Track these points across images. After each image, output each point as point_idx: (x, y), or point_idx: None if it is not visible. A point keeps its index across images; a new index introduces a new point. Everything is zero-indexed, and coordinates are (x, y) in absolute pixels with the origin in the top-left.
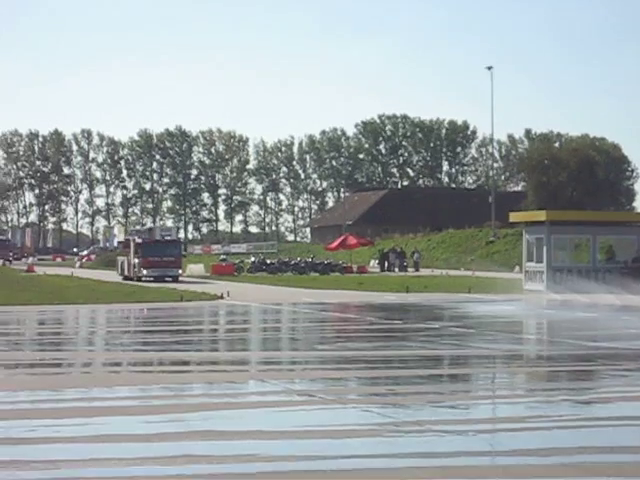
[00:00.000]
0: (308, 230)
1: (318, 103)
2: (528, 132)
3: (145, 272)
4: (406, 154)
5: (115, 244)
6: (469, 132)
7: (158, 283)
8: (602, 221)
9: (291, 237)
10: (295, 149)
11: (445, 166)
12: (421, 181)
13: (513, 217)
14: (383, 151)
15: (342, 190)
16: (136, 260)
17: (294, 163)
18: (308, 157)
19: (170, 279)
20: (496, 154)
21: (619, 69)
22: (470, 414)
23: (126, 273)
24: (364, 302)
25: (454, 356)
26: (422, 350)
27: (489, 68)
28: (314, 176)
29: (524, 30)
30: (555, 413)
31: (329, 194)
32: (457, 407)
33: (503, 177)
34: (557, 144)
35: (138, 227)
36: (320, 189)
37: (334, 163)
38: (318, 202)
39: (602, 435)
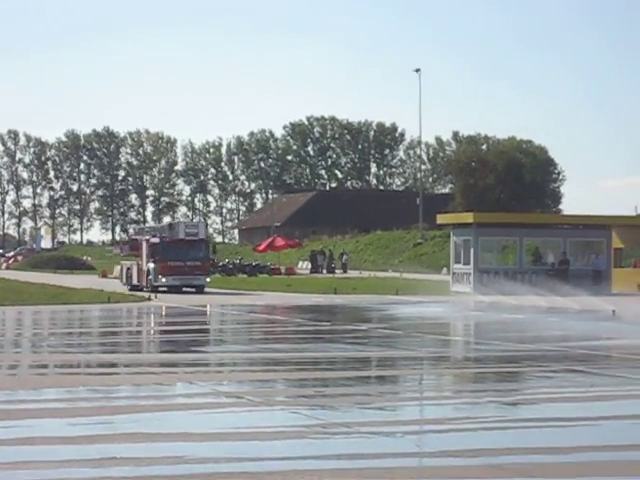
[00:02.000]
0: (236, 232)
1: (246, 104)
2: (456, 134)
3: (164, 280)
4: (334, 156)
5: (42, 245)
6: (397, 134)
7: (168, 293)
8: (529, 223)
9: (219, 239)
10: (223, 150)
11: (373, 168)
12: (349, 183)
13: (441, 219)
14: (311, 153)
15: (270, 192)
16: (151, 265)
17: (222, 164)
18: (236, 158)
19: (194, 289)
20: (424, 156)
21: (545, 72)
22: (398, 416)
23: (135, 282)
24: (292, 304)
25: (382, 358)
26: (350, 352)
27: (417, 70)
28: (242, 177)
29: (451, 33)
30: (481, 414)
31: (257, 196)
32: (385, 409)
33: (431, 179)
34: (484, 146)
35: (192, 219)
36: (248, 190)
37: (262, 164)
38: (246, 204)
39: (528, 436)
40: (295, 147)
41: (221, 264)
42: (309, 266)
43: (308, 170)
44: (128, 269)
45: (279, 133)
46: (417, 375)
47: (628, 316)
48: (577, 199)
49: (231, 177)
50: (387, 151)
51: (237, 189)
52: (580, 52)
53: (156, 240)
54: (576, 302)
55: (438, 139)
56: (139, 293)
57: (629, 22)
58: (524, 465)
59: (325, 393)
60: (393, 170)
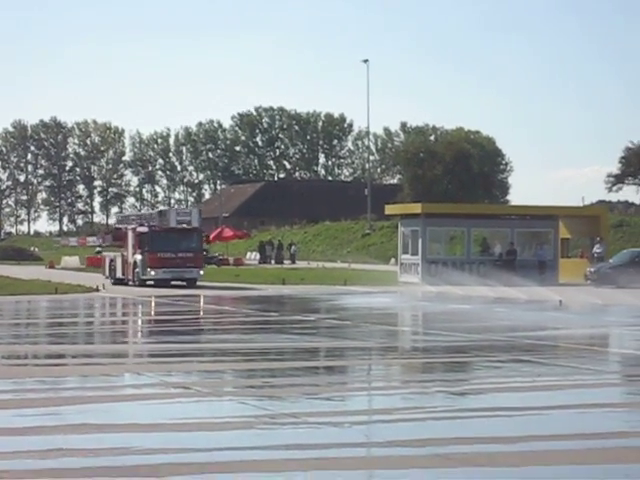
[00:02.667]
0: None
1: (194, 95)
2: (404, 125)
3: (153, 273)
4: (283, 146)
5: None
6: (345, 125)
7: (142, 287)
8: (476, 214)
9: None
10: (171, 141)
11: (322, 159)
12: (298, 174)
13: (389, 210)
14: (260, 143)
15: (219, 182)
16: (138, 257)
17: (170, 155)
18: (184, 149)
19: (185, 283)
20: (372, 147)
21: (492, 63)
22: (346, 406)
23: (119, 274)
24: (240, 294)
25: (330, 348)
26: (298, 342)
27: (365, 61)
28: (190, 168)
29: (398, 24)
30: (429, 404)
31: (205, 186)
32: (333, 399)
33: (379, 170)
34: (432, 137)
35: (141, 210)
36: (196, 181)
37: (210, 155)
38: (194, 194)
39: (475, 426)
40: (243, 138)
41: None
42: (257, 257)
43: (256, 161)
44: (111, 261)
45: (227, 124)
46: (365, 365)
47: (575, 306)
48: (525, 190)
49: (179, 168)
50: (335, 142)
51: (185, 180)
52: (527, 44)
53: (144, 229)
54: (523, 292)
55: (386, 130)
56: (87, 284)
57: (578, 12)
58: (471, 455)
59: (273, 384)
60: (341, 161)
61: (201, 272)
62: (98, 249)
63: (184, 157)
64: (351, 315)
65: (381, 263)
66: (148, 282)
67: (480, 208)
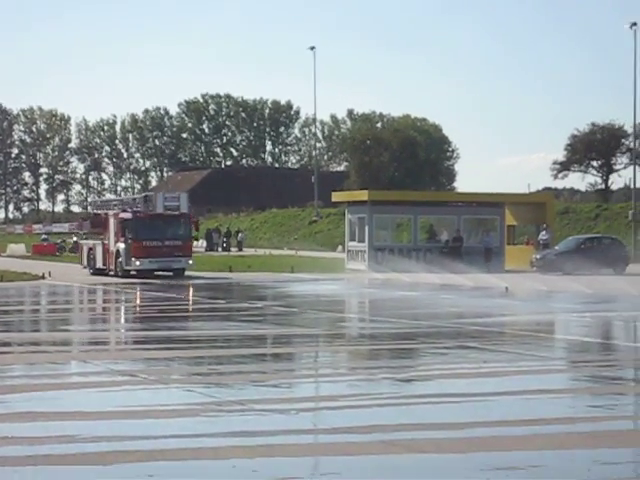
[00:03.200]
0: None
1: (140, 82)
2: (351, 112)
3: (138, 263)
4: (229, 134)
5: None
6: (292, 112)
7: (137, 278)
8: (423, 201)
9: None
10: (118, 128)
11: (268, 146)
12: (245, 161)
13: (336, 197)
14: (206, 130)
15: (165, 169)
16: (121, 245)
17: (117, 142)
18: (131, 136)
19: (172, 273)
20: (319, 134)
21: (438, 50)
22: (292, 393)
23: (99, 265)
24: (187, 282)
25: (277, 335)
26: (245, 329)
27: (312, 48)
28: (137, 155)
29: (346, 11)
30: (376, 391)
31: (152, 174)
32: (279, 386)
33: (326, 157)
34: (379, 124)
35: (123, 195)
36: (143, 168)
37: (157, 142)
38: (141, 182)
39: (421, 412)
40: (190, 125)
41: None
42: (204, 244)
43: (203, 148)
44: (90, 250)
45: (174, 111)
46: (312, 353)
47: (520, 293)
48: (471, 177)
49: (126, 155)
50: (282, 129)
51: (132, 167)
52: (472, 30)
53: (127, 215)
54: (470, 279)
55: (333, 117)
56: (33, 272)
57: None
58: (417, 441)
59: (220, 371)
60: (288, 148)
61: (190, 261)
62: (44, 237)
63: (130, 144)
64: (298, 302)
65: (328, 250)
66: (133, 272)
67: (427, 195)
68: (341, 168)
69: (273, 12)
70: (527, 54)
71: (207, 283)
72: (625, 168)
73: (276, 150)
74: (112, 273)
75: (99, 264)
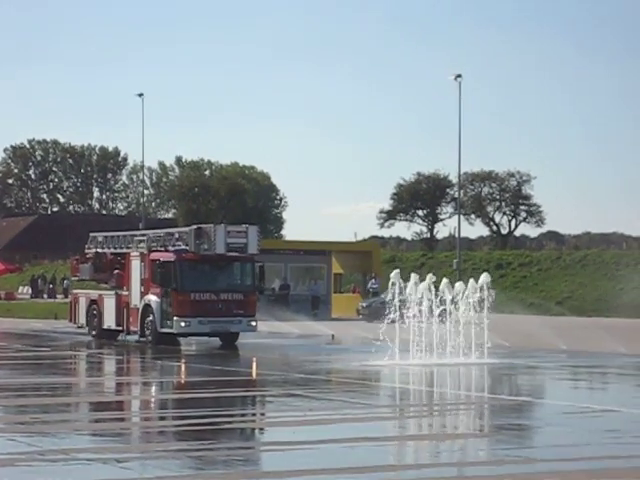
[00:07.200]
0: None
1: None
2: (179, 159)
3: (183, 325)
4: (56, 180)
5: None
6: (120, 158)
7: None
8: None
9: None
10: None
11: (96, 192)
12: (72, 207)
13: None
14: (33, 176)
15: None
16: (153, 299)
17: None
18: None
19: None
20: (147, 181)
21: (267, 100)
22: (115, 442)
23: (110, 324)
24: (11, 329)
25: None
26: (72, 377)
27: (140, 95)
28: None
29: (174, 57)
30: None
31: None
32: (102, 435)
33: (154, 204)
34: (207, 172)
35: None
36: None
37: None
38: None
39: (246, 462)
40: (16, 170)
41: None
42: (30, 291)
43: (29, 194)
44: (93, 303)
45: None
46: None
47: (347, 340)
48: (299, 225)
49: None
50: (110, 175)
51: None
52: (301, 81)
53: (169, 256)
54: (297, 327)
55: (161, 164)
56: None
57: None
58: None
59: (44, 419)
60: (116, 194)
61: (253, 323)
62: None
63: None
64: (122, 350)
65: None
66: (177, 333)
67: None
68: (169, 215)
69: (99, 57)
70: (351, 104)
71: (32, 330)
72: (450, 217)
73: (104, 197)
74: (132, 335)
75: (109, 323)
